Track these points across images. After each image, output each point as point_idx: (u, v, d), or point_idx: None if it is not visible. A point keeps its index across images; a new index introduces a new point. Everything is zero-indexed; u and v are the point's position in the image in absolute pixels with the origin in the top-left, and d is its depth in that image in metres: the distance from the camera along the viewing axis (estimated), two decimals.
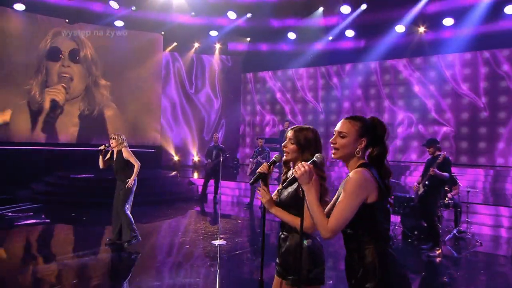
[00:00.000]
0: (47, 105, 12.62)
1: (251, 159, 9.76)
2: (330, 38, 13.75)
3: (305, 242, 2.35)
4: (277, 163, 2.55)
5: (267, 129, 15.97)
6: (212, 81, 16.12)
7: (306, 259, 2.37)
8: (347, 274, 2.08)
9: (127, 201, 6.00)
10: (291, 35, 14.16)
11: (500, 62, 11.73)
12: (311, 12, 13.03)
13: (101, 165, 6.13)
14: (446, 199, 6.87)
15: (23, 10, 11.96)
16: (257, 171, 2.50)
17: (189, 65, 15.75)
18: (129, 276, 5.25)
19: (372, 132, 2.08)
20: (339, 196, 2.04)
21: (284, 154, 2.55)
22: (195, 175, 13.20)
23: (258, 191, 2.51)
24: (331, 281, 4.69)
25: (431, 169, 6.05)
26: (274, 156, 2.59)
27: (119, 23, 13.28)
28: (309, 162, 2.04)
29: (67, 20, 12.72)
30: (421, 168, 7.42)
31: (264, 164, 2.51)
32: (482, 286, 5.36)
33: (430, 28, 12.42)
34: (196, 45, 15.41)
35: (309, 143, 2.47)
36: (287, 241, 2.51)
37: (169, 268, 5.53)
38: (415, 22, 12.27)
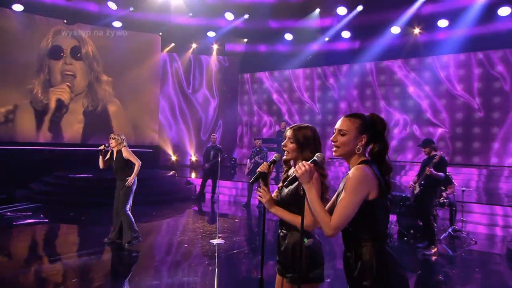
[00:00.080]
0: (52, 104, 12.75)
1: (249, 160, 9.82)
2: (327, 39, 13.86)
3: (305, 240, 2.35)
4: (277, 163, 2.57)
5: (264, 129, 16.06)
6: (209, 82, 16.19)
7: (306, 259, 2.38)
8: (346, 271, 2.09)
9: (127, 201, 6.02)
10: (288, 36, 14.26)
11: (493, 63, 11.88)
12: (308, 14, 13.13)
13: (101, 165, 6.15)
14: (442, 198, 6.96)
15: (22, 11, 11.98)
16: (257, 170, 2.51)
17: (186, 65, 15.81)
18: (129, 275, 5.25)
19: (372, 129, 2.08)
20: (339, 193, 2.05)
21: (285, 154, 2.56)
22: (193, 175, 13.26)
23: (258, 191, 2.52)
24: (328, 280, 4.75)
25: (427, 168, 6.12)
26: (274, 155, 2.60)
27: (117, 24, 13.33)
28: (309, 162, 2.05)
29: (65, 21, 12.75)
30: (416, 168, 7.52)
31: (264, 163, 2.52)
32: (477, 284, 5.43)
33: (425, 30, 12.56)
34: (194, 45, 15.48)
35: (308, 141, 2.48)
36: (286, 239, 2.52)
37: (168, 267, 5.54)
38: (410, 23, 12.42)
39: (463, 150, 12.27)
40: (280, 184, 2.60)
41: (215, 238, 6.64)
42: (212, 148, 10.51)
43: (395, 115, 13.25)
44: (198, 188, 10.98)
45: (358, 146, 2.06)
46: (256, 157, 9.52)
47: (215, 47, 15.82)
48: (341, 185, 2.09)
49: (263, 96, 16.24)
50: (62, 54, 12.91)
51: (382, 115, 2.44)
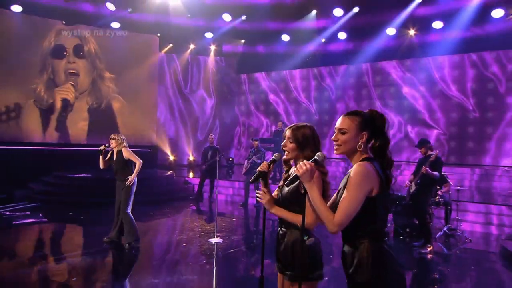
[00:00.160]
0: (58, 104, 12.87)
1: (246, 160, 9.90)
2: (323, 40, 13.98)
3: (305, 237, 2.30)
4: (277, 162, 2.60)
5: (261, 129, 16.14)
6: (207, 82, 16.27)
7: (306, 257, 2.38)
8: (344, 266, 2.11)
9: (129, 202, 6.02)
10: (285, 37, 14.36)
11: (487, 64, 12.03)
12: (305, 15, 13.23)
13: (101, 165, 6.17)
14: (437, 197, 7.05)
15: (20, 12, 12.01)
16: (257, 169, 2.53)
17: (184, 66, 15.88)
18: (128, 274, 5.28)
19: (372, 125, 2.09)
20: (340, 191, 2.08)
21: (285, 154, 2.56)
22: (191, 174, 13.32)
23: (257, 192, 2.53)
24: (326, 278, 4.83)
25: (423, 167, 6.19)
26: (274, 154, 2.62)
27: (115, 25, 13.37)
28: (310, 161, 2.07)
29: (64, 22, 12.79)
30: (411, 168, 7.60)
31: (264, 162, 2.54)
32: (472, 282, 5.53)
33: (420, 31, 12.70)
34: (192, 46, 15.54)
35: (307, 140, 2.49)
36: (285, 237, 2.52)
37: (168, 266, 5.56)
38: (406, 25, 12.55)
39: (458, 150, 12.40)
40: (281, 183, 2.61)
41: (214, 237, 6.66)
42: (210, 148, 10.56)
43: (391, 116, 13.37)
44: (196, 188, 11.04)
45: (360, 143, 2.07)
46: (254, 157, 9.59)
47: (212, 48, 15.90)
48: (342, 183, 2.10)
49: (260, 96, 16.33)
50: (65, 53, 13.02)
51: None
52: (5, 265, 5.48)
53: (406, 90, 13.27)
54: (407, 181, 6.66)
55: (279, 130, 12.18)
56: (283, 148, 2.56)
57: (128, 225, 6.03)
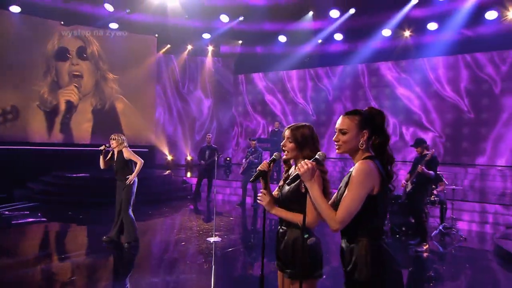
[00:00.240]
0: (62, 106, 12.96)
1: (244, 159, 9.98)
2: (320, 41, 14.09)
3: (305, 235, 2.33)
4: (277, 161, 2.63)
5: (258, 129, 16.22)
6: (204, 83, 16.35)
7: (307, 258, 2.40)
8: (342, 263, 2.12)
9: (130, 202, 6.05)
10: (282, 38, 14.44)
11: (481, 65, 12.15)
12: (301, 16, 13.32)
13: (102, 165, 6.18)
14: (432, 196, 7.14)
15: (19, 12, 12.05)
16: (257, 168, 2.55)
17: (182, 66, 15.95)
18: (128, 273, 5.31)
19: (372, 123, 2.09)
20: (340, 189, 2.10)
21: (284, 153, 2.58)
22: (188, 174, 13.39)
23: (258, 195, 2.55)
24: (324, 276, 4.90)
25: (419, 166, 6.26)
26: (274, 154, 2.65)
27: (113, 25, 13.42)
28: (311, 160, 2.08)
29: (62, 22, 12.82)
30: (406, 168, 7.68)
31: (265, 162, 2.56)
32: (467, 279, 5.60)
33: (415, 32, 12.83)
34: (189, 47, 15.60)
35: (306, 140, 2.50)
36: (286, 235, 2.53)
37: (167, 264, 5.59)
38: (401, 26, 12.68)
39: (453, 150, 12.52)
40: (281, 183, 2.63)
41: (212, 236, 6.72)
42: (207, 148, 10.64)
43: (386, 116, 13.44)
44: (194, 188, 11.10)
45: (361, 142, 2.08)
46: (251, 156, 9.67)
47: (210, 48, 15.97)
48: (343, 182, 2.12)
49: (258, 97, 16.41)
50: (68, 55, 13.12)
51: None
52: (4, 264, 5.46)
53: (401, 91, 13.40)
54: (403, 181, 6.72)
55: (276, 130, 12.26)
56: (283, 148, 2.57)
57: (129, 225, 6.06)
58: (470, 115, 12.28)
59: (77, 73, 13.25)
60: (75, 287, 4.77)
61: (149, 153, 13.75)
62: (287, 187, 2.52)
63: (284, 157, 2.59)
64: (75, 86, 13.20)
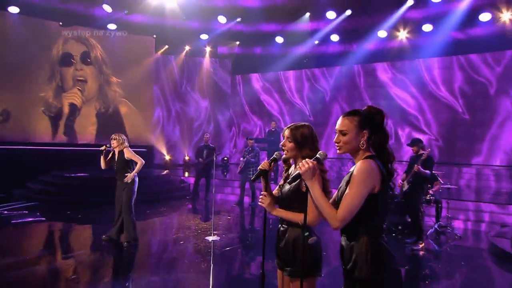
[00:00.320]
0: (66, 109, 13.09)
1: (241, 159, 10.04)
2: (316, 42, 14.19)
3: (306, 233, 2.34)
4: (277, 160, 2.65)
5: (255, 129, 16.30)
6: (202, 83, 16.42)
7: (307, 257, 2.42)
8: (342, 262, 2.13)
9: (131, 202, 6.07)
10: (279, 39, 14.53)
11: (475, 66, 12.27)
12: (298, 17, 13.41)
13: (103, 165, 6.21)
14: (428, 195, 7.24)
15: (17, 13, 12.08)
16: (258, 168, 2.57)
17: (180, 67, 16.02)
18: (127, 272, 5.35)
19: (371, 122, 2.10)
20: (341, 188, 2.11)
21: (284, 153, 2.60)
22: (186, 174, 13.44)
23: (259, 198, 2.57)
24: (322, 275, 4.96)
25: (415, 166, 6.35)
26: (275, 153, 2.67)
27: (112, 26, 13.47)
28: (312, 159, 2.10)
29: (61, 23, 12.85)
30: (402, 167, 7.76)
31: (265, 161, 2.58)
32: (462, 277, 5.67)
33: (411, 34, 12.95)
34: (187, 48, 15.66)
35: (305, 139, 2.52)
36: (286, 234, 2.54)
37: (166, 263, 5.62)
38: (396, 27, 12.79)
39: (448, 151, 12.62)
40: (281, 182, 2.65)
41: (211, 235, 6.75)
42: (205, 148, 10.66)
43: (386, 114, 13.51)
44: (192, 187, 11.15)
45: (362, 142, 2.09)
46: (248, 156, 9.74)
47: (208, 49, 16.06)
48: (343, 181, 2.14)
49: (255, 97, 16.49)
50: (72, 60, 13.25)
51: None
52: (3, 264, 5.43)
53: (396, 91, 13.51)
54: (400, 180, 6.79)
55: (273, 130, 12.30)
56: (282, 148, 2.60)
57: (129, 224, 6.09)
58: (465, 116, 12.40)
59: (81, 78, 13.42)
60: (75, 286, 4.80)
61: (147, 153, 13.78)
62: (287, 186, 2.53)
63: (284, 156, 2.61)
64: (79, 89, 13.33)
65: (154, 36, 14.66)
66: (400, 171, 8.68)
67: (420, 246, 6.40)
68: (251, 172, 9.51)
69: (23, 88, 12.26)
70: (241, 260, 6.16)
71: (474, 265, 6.17)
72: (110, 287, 4.84)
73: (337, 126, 2.14)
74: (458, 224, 8.08)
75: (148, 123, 14.94)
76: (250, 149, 9.87)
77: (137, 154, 6.17)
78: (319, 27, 13.65)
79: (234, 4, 13.07)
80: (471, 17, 11.31)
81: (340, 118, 2.15)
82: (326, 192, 2.29)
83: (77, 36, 13.20)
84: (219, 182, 11.53)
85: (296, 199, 2.44)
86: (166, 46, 15.28)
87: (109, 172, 6.46)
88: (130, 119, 14.23)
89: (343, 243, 2.12)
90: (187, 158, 15.72)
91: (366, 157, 2.07)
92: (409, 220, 6.98)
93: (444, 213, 7.63)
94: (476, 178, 11.59)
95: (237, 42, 15.73)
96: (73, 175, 10.64)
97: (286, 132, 2.57)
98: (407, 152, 9.38)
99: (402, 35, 13.01)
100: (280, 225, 2.62)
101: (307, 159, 2.07)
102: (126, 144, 6.15)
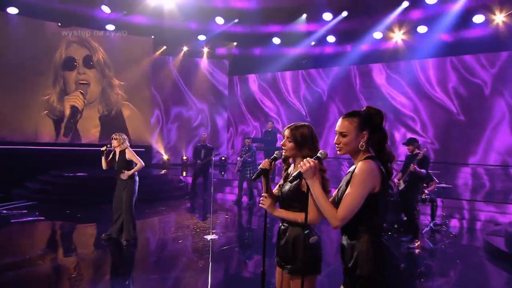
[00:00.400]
0: (67, 111, 13.19)
1: (238, 158, 10.12)
2: (313, 43, 14.29)
3: (306, 232, 2.35)
4: (278, 160, 2.68)
5: (253, 129, 16.37)
6: (200, 84, 16.48)
7: (308, 255, 2.44)
8: (342, 261, 2.15)
9: (132, 201, 6.10)
10: (276, 40, 14.62)
11: (470, 67, 12.37)
12: (295, 19, 13.50)
13: (103, 165, 6.25)
14: (424, 194, 7.34)
15: (16, 14, 12.11)
16: (259, 167, 2.59)
17: (178, 68, 16.09)
18: (126, 271, 5.39)
19: (370, 123, 2.12)
20: (341, 188, 2.13)
21: (283, 152, 2.62)
22: (184, 173, 13.51)
23: (262, 196, 2.58)
24: (322, 273, 5.04)
25: (411, 165, 6.43)
26: (276, 152, 2.69)
27: (110, 27, 13.51)
28: (313, 158, 2.11)
29: (59, 24, 12.88)
30: (397, 168, 7.84)
31: (266, 160, 2.59)
32: (457, 275, 5.76)
33: (406, 35, 13.06)
34: (185, 48, 15.73)
35: (305, 139, 2.54)
36: (287, 232, 2.56)
37: (165, 262, 5.66)
38: (392, 29, 12.91)
39: (443, 151, 12.71)
40: (281, 181, 2.68)
41: (209, 234, 6.80)
42: (202, 147, 10.72)
43: (385, 114, 13.58)
44: (190, 187, 11.21)
45: (361, 143, 2.11)
46: (245, 155, 9.81)
47: (205, 50, 16.12)
48: (343, 181, 2.16)
49: (252, 98, 16.56)
50: (75, 64, 13.33)
51: None
52: (2, 263, 5.42)
53: (391, 92, 13.61)
54: (396, 180, 6.85)
55: (270, 130, 12.38)
56: (282, 147, 2.62)
57: (129, 223, 6.14)
58: (460, 117, 12.51)
59: (84, 82, 13.51)
60: (74, 284, 4.82)
61: (146, 153, 13.88)
62: (287, 186, 2.55)
63: (284, 155, 2.64)
64: (81, 92, 13.43)
65: (153, 37, 14.71)
66: (395, 171, 8.80)
67: (416, 244, 6.48)
68: (248, 172, 9.59)
69: (23, 89, 12.29)
70: (239, 258, 6.23)
71: (469, 263, 6.25)
72: (110, 286, 4.90)
73: (337, 128, 2.15)
74: (453, 223, 8.19)
75: (147, 123, 15.01)
76: (246, 148, 9.94)
77: (136, 154, 6.22)
78: (315, 28, 13.74)
79: (232, 5, 13.15)
80: (465, 18, 11.40)
81: (340, 120, 2.17)
82: (326, 191, 2.31)
83: (77, 37, 13.24)
84: (217, 181, 11.58)
85: (296, 198, 2.47)
86: (164, 47, 15.34)
87: (107, 171, 6.50)
88: (131, 121, 14.30)
89: (344, 242, 2.14)
90: (185, 158, 15.79)
91: (366, 158, 2.09)
92: (405, 218, 7.07)
93: (439, 211, 7.73)
94: (471, 177, 11.68)
95: (235, 43, 15.80)
96: (72, 174, 10.68)
97: (286, 132, 2.59)
98: (402, 152, 9.47)
99: (398, 36, 13.12)
100: (281, 224, 2.65)
101: (308, 158, 2.09)
102: (127, 143, 6.20)
